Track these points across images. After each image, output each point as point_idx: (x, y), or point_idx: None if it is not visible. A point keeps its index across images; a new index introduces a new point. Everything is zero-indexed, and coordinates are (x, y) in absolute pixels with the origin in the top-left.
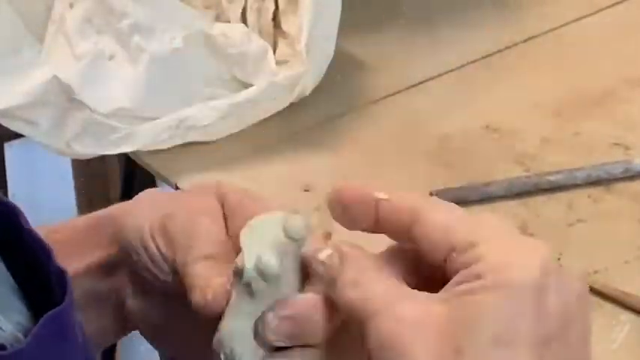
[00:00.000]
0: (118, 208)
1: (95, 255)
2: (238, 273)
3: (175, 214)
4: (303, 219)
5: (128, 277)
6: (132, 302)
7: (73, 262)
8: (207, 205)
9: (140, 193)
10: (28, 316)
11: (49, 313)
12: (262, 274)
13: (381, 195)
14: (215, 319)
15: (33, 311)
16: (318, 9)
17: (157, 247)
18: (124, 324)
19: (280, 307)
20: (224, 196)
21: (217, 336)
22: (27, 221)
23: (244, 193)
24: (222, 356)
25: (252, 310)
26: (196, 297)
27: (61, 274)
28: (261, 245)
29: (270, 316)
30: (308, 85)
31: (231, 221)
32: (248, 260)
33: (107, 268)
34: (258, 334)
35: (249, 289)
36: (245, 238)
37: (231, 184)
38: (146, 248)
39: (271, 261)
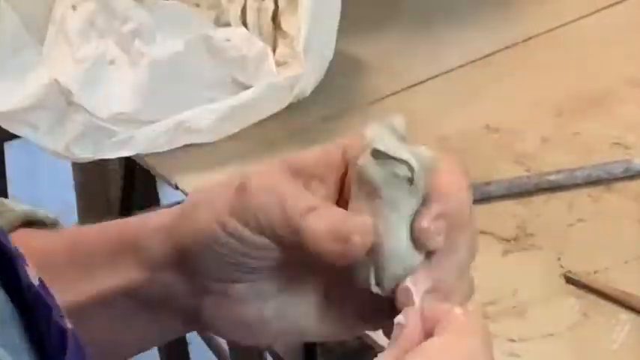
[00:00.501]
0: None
1: (130, 275)
2: (398, 175)
3: (249, 184)
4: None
5: (198, 290)
6: (210, 312)
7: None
8: (279, 170)
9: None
10: None
11: None
12: (425, 165)
13: None
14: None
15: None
16: (317, 9)
17: (251, 229)
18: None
19: (438, 202)
20: (291, 163)
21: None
22: (27, 275)
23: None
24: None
25: (400, 220)
26: (329, 245)
27: (63, 333)
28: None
29: (428, 215)
30: (307, 85)
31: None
32: (407, 156)
33: (148, 287)
34: (419, 238)
35: (400, 193)
36: (377, 144)
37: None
38: (240, 238)
39: (428, 151)
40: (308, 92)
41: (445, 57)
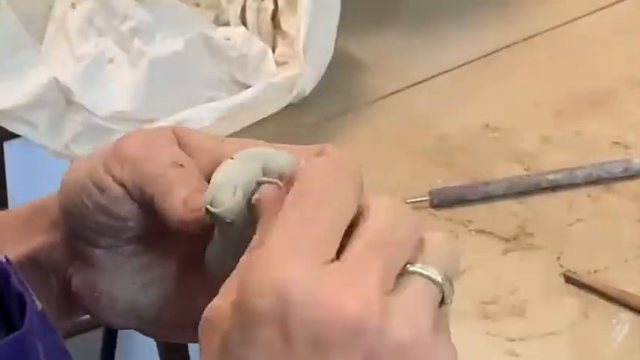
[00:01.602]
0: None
1: (37, 240)
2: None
3: (128, 137)
4: (288, 155)
5: (71, 253)
6: (77, 279)
7: (15, 247)
8: (162, 133)
9: None
10: None
11: (6, 339)
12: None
13: None
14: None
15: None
16: (316, 9)
17: (115, 178)
18: (70, 305)
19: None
20: (181, 135)
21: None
22: None
23: (206, 135)
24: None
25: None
26: (175, 204)
27: (20, 297)
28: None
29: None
30: (307, 85)
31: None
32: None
33: (48, 251)
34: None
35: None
36: (220, 174)
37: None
38: (101, 187)
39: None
40: (307, 92)
41: (445, 56)
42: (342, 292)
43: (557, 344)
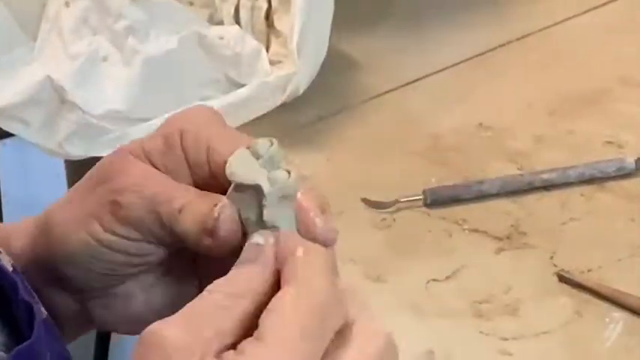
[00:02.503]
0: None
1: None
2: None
3: (118, 200)
4: (267, 140)
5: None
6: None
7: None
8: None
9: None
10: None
11: (17, 348)
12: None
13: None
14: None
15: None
16: (310, 8)
17: (124, 236)
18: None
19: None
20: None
21: None
22: None
23: (198, 125)
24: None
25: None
26: (203, 241)
27: (28, 305)
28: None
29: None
30: (301, 84)
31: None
32: (258, 181)
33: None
34: None
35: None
36: (236, 170)
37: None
38: (111, 247)
39: (285, 175)
40: (301, 91)
41: (438, 56)
42: None
43: (550, 343)
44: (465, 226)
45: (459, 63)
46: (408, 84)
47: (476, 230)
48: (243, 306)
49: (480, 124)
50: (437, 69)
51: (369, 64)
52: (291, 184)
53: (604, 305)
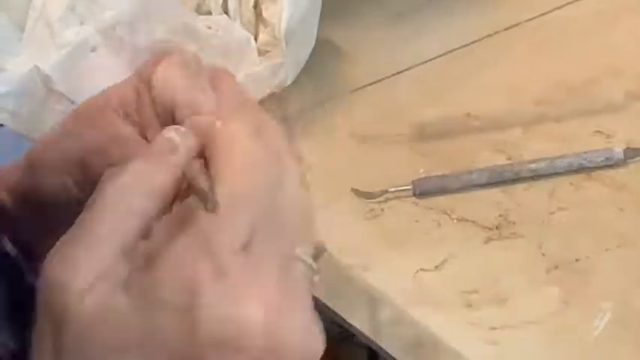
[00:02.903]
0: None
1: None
2: None
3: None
4: None
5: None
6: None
7: None
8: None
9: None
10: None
11: None
12: None
13: None
14: None
15: None
16: None
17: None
18: None
19: None
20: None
21: None
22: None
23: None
24: None
25: None
26: None
27: (33, 290)
28: None
29: None
30: (289, 74)
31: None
32: None
33: None
34: None
35: None
36: None
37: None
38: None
39: None
40: (289, 81)
41: (426, 46)
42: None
43: (537, 333)
44: (454, 216)
45: (446, 53)
46: (395, 74)
47: (464, 220)
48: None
49: (468, 114)
50: (424, 59)
51: (355, 54)
52: None
53: (592, 295)
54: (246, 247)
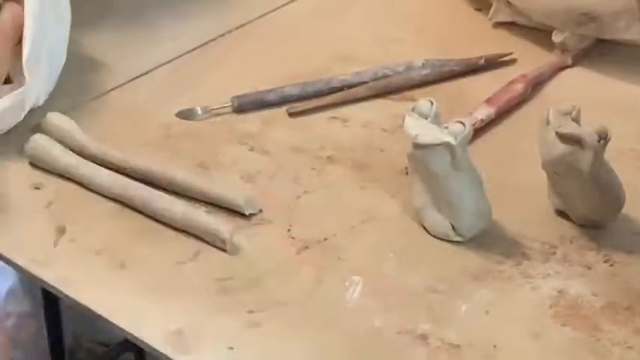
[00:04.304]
0: None
1: None
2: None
3: None
4: (427, 100)
5: None
6: None
7: None
8: None
9: None
10: None
11: None
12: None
13: None
14: None
15: None
16: (43, 15)
17: None
18: None
19: None
20: None
21: None
22: None
23: None
24: None
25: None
26: None
27: None
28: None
29: None
30: (40, 97)
31: None
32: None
33: None
34: None
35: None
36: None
37: None
38: None
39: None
40: (42, 101)
41: (163, 48)
42: None
43: (296, 312)
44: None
45: (184, 54)
46: (136, 78)
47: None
48: None
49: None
50: (163, 61)
51: (93, 62)
52: (469, 132)
53: (343, 270)
54: None
